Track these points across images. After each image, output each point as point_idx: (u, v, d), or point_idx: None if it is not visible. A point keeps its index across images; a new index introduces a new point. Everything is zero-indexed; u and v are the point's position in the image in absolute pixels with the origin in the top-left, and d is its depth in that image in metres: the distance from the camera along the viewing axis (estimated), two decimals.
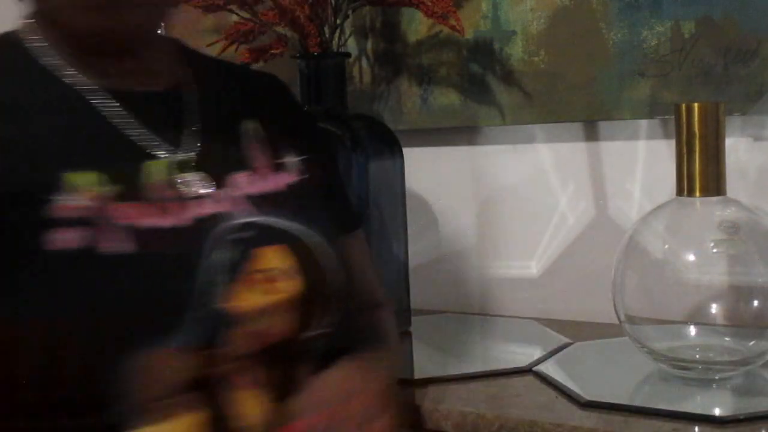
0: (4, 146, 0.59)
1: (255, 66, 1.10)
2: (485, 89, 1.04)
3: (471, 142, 1.09)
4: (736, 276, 0.74)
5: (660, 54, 0.93)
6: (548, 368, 0.83)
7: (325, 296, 0.65)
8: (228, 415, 0.58)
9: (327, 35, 0.99)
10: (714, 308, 0.75)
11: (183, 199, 0.62)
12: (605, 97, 0.96)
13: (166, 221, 0.60)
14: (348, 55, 1.03)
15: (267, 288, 0.61)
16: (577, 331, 0.97)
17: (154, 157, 0.62)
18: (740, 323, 0.75)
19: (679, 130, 0.76)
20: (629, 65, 0.94)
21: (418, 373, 0.86)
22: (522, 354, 0.92)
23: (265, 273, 0.61)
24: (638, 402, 0.72)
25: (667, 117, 0.94)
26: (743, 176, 0.91)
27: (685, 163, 0.76)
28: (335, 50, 1.00)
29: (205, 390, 0.58)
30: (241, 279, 0.59)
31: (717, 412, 0.69)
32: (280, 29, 1.00)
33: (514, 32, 1.01)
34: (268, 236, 0.63)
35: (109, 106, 0.63)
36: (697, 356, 0.77)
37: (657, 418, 0.68)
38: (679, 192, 0.76)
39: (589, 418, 0.69)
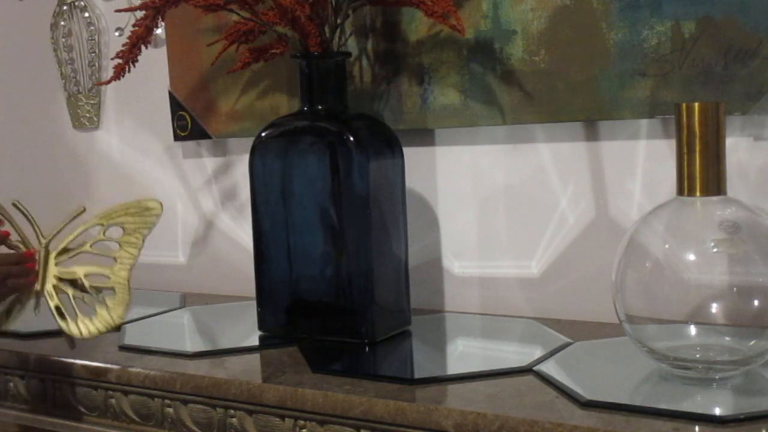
0: None
1: (255, 66, 1.10)
2: (485, 89, 1.04)
3: (471, 142, 1.09)
4: (736, 276, 0.74)
5: (660, 53, 0.93)
6: (548, 368, 0.83)
7: None
8: None
9: (327, 35, 0.99)
10: (714, 308, 0.75)
11: None
12: (605, 97, 0.96)
13: None
14: (348, 54, 1.03)
15: None
16: (577, 331, 0.97)
17: None
18: (740, 323, 0.75)
19: (679, 129, 0.76)
20: (629, 65, 0.94)
21: (418, 373, 0.86)
22: (522, 354, 0.92)
23: None
24: (638, 401, 0.72)
25: (667, 117, 0.94)
26: (744, 176, 0.91)
27: (685, 162, 0.76)
28: (335, 50, 1.00)
29: None
30: None
31: (717, 411, 0.69)
32: (280, 29, 1.00)
33: (514, 32, 1.01)
34: None
35: None
36: (698, 356, 0.77)
37: (657, 418, 0.68)
38: (680, 191, 0.77)
39: (589, 418, 0.69)
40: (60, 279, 1.01)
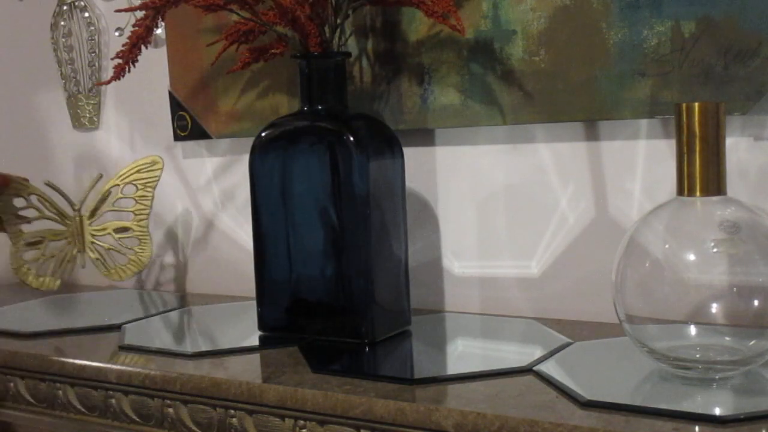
0: None
1: (255, 66, 1.10)
2: (485, 89, 1.04)
3: (471, 142, 1.09)
4: (736, 276, 0.74)
5: (660, 54, 0.93)
6: (548, 368, 0.83)
7: None
8: None
9: (327, 35, 0.99)
10: (714, 308, 0.75)
11: None
12: (605, 97, 0.96)
13: None
14: (348, 54, 1.04)
15: None
16: (577, 331, 0.97)
17: None
18: (740, 323, 0.75)
19: (679, 129, 0.76)
20: (629, 65, 0.94)
21: (418, 373, 0.86)
22: (522, 354, 0.92)
23: None
24: (639, 401, 0.72)
25: (667, 117, 0.94)
26: (744, 176, 0.91)
27: (685, 162, 0.76)
28: (335, 50, 1.00)
29: None
30: None
31: (717, 411, 0.69)
32: (280, 29, 1.00)
33: (514, 32, 1.01)
34: None
35: None
36: (698, 356, 0.77)
37: (657, 418, 0.68)
38: (680, 192, 0.77)
39: (589, 418, 0.69)
40: (94, 236, 1.29)
